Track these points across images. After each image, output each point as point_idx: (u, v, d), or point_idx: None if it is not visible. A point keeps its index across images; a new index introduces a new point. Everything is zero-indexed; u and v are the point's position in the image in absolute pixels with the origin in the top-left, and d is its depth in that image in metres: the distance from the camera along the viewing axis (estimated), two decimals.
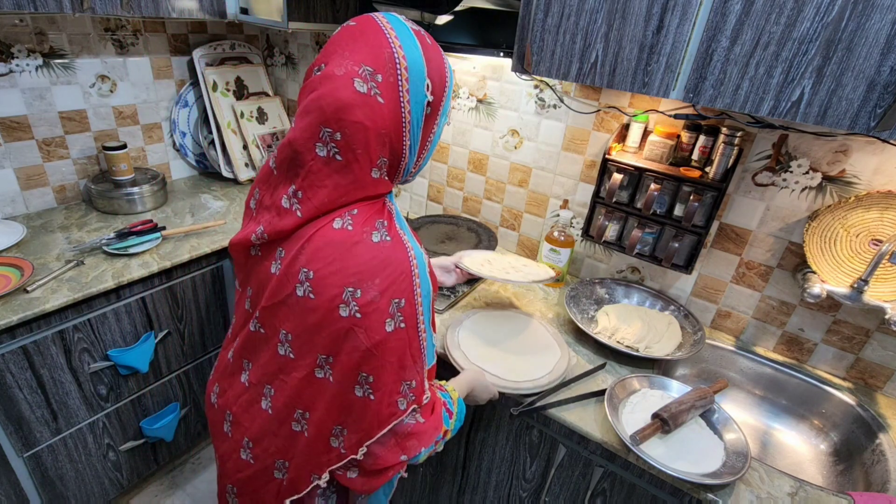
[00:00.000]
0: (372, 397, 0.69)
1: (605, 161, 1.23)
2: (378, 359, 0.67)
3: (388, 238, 0.68)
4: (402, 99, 0.66)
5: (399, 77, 0.65)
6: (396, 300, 0.66)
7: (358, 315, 0.65)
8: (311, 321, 0.67)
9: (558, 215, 1.51)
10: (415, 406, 0.72)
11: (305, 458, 0.74)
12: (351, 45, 0.65)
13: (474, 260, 1.30)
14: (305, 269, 0.66)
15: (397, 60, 0.65)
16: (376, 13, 0.70)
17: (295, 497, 0.77)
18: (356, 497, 0.84)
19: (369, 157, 0.66)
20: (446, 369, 1.20)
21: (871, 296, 1.04)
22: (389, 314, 0.66)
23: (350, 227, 0.67)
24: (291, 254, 0.68)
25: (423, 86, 0.67)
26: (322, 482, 0.74)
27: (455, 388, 0.88)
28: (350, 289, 0.64)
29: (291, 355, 0.71)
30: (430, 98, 0.69)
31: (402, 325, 0.67)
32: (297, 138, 0.67)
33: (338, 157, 0.65)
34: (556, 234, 1.42)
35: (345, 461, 0.72)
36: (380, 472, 0.73)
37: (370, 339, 0.66)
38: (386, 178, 0.71)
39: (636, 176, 1.23)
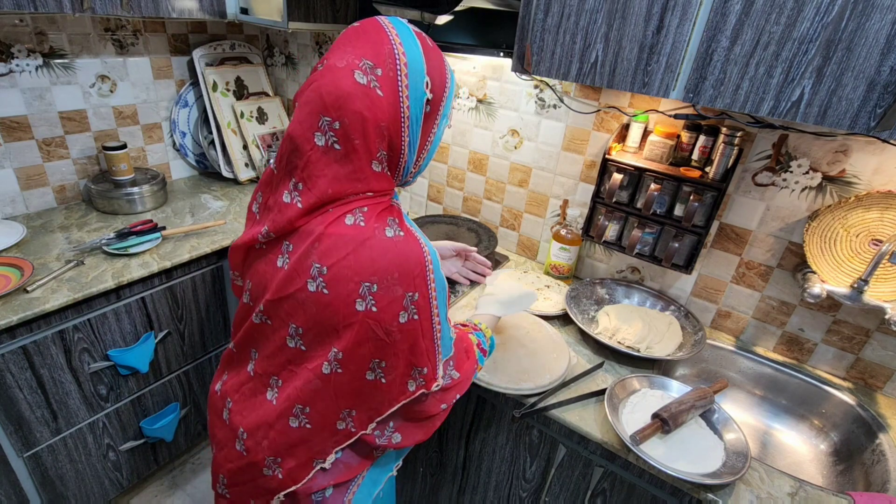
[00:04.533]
0: (383, 380, 0.71)
1: (605, 161, 1.23)
2: (391, 347, 0.69)
3: (401, 233, 0.70)
4: (401, 94, 0.67)
5: (399, 72, 0.66)
6: (410, 294, 0.68)
7: (374, 309, 0.67)
8: (326, 316, 0.68)
9: (558, 215, 1.51)
10: (433, 388, 0.75)
11: (306, 449, 0.75)
12: (353, 42, 0.67)
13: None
14: (318, 265, 0.67)
15: (397, 56, 0.67)
16: (381, 16, 0.72)
17: (293, 488, 0.77)
18: (354, 484, 0.83)
19: (368, 149, 0.67)
20: None
21: (871, 296, 1.04)
22: (403, 307, 0.68)
23: (362, 223, 0.68)
24: (302, 249, 0.69)
25: (422, 83, 0.69)
26: (327, 464, 0.76)
27: (487, 327, 0.96)
28: (367, 284, 0.66)
29: (303, 348, 0.72)
30: (430, 96, 0.70)
31: (416, 316, 0.69)
32: (295, 129, 0.67)
33: (336, 147, 0.66)
34: (563, 232, 1.42)
35: (353, 439, 0.75)
36: (428, 420, 0.79)
37: (385, 331, 0.68)
38: (387, 173, 0.72)
39: (636, 176, 1.23)
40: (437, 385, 0.75)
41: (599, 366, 1.13)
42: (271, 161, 0.74)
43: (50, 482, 1.30)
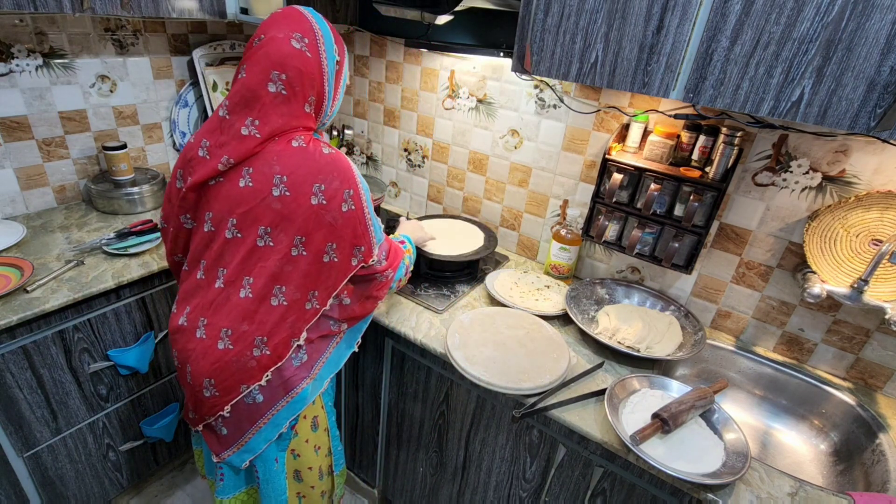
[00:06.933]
0: (336, 259, 0.94)
1: (605, 161, 1.23)
2: (339, 231, 0.92)
3: (332, 151, 0.95)
4: (321, 56, 0.92)
5: (318, 41, 0.92)
6: (347, 190, 0.92)
7: (324, 202, 0.90)
8: (288, 211, 0.89)
9: (558, 215, 1.51)
10: (370, 262, 0.99)
11: (287, 326, 0.95)
12: (283, 22, 0.91)
13: (504, 283, 1.40)
14: (279, 175, 0.89)
15: (315, 30, 0.92)
16: (295, 5, 0.94)
17: (279, 364, 0.96)
18: (328, 346, 1.07)
19: (304, 95, 0.92)
20: (446, 369, 1.20)
21: (871, 296, 1.04)
22: (344, 199, 0.91)
23: (304, 144, 0.92)
24: (264, 166, 0.90)
25: (332, 49, 0.95)
26: (302, 341, 0.98)
27: (402, 235, 1.25)
28: (317, 184, 0.90)
29: (271, 243, 0.91)
30: (338, 58, 0.96)
31: (353, 207, 0.93)
32: (252, 81, 0.89)
33: (283, 92, 0.90)
34: (563, 232, 1.43)
35: (318, 315, 0.97)
36: (380, 292, 1.06)
37: (333, 217, 0.91)
38: (313, 115, 0.97)
39: (636, 176, 1.23)
40: (374, 260, 0.99)
41: (599, 366, 1.13)
42: (222, 112, 0.92)
43: (50, 482, 1.30)
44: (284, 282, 0.93)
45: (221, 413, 0.97)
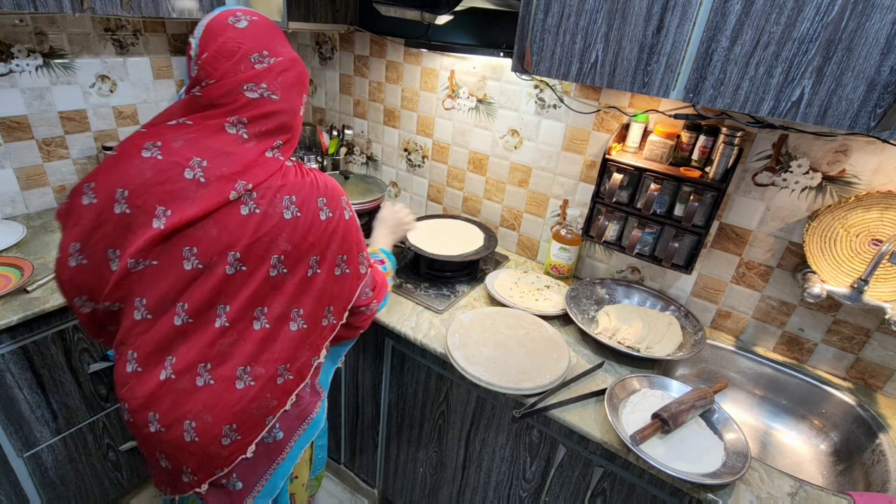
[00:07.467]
0: (347, 270, 0.94)
1: (605, 161, 1.23)
2: (346, 240, 0.92)
3: (316, 172, 0.95)
4: None
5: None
6: (343, 197, 0.94)
7: (331, 215, 0.90)
8: (302, 232, 0.86)
9: (558, 215, 1.51)
10: (373, 262, 1.01)
11: (307, 347, 0.92)
12: (278, 37, 0.87)
13: (504, 283, 1.40)
14: (289, 197, 0.86)
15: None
16: (260, 13, 0.89)
17: (302, 385, 0.93)
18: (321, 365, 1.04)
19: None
20: (446, 369, 1.20)
21: (871, 296, 1.04)
22: (344, 207, 0.93)
23: (298, 168, 0.92)
24: (270, 193, 0.85)
25: None
26: (322, 358, 0.96)
27: (376, 247, 1.21)
28: (321, 199, 0.89)
29: (284, 271, 0.87)
30: None
31: (351, 213, 0.95)
32: (289, 105, 0.87)
33: (303, 114, 0.91)
34: (563, 232, 1.43)
35: (336, 330, 0.96)
36: (363, 322, 1.05)
37: (340, 227, 0.91)
38: None
39: (636, 176, 1.23)
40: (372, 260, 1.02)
41: (599, 366, 1.13)
42: (238, 130, 0.83)
43: (50, 482, 1.30)
44: (301, 304, 0.89)
45: (244, 455, 0.88)
